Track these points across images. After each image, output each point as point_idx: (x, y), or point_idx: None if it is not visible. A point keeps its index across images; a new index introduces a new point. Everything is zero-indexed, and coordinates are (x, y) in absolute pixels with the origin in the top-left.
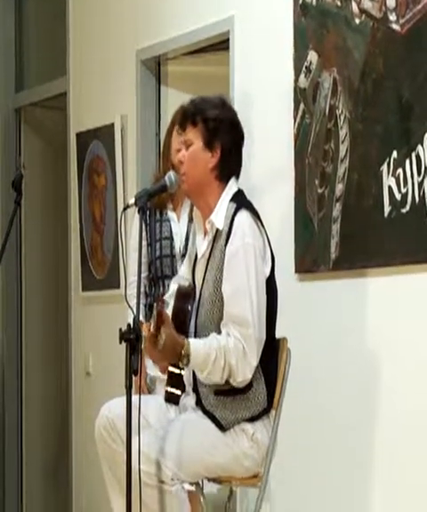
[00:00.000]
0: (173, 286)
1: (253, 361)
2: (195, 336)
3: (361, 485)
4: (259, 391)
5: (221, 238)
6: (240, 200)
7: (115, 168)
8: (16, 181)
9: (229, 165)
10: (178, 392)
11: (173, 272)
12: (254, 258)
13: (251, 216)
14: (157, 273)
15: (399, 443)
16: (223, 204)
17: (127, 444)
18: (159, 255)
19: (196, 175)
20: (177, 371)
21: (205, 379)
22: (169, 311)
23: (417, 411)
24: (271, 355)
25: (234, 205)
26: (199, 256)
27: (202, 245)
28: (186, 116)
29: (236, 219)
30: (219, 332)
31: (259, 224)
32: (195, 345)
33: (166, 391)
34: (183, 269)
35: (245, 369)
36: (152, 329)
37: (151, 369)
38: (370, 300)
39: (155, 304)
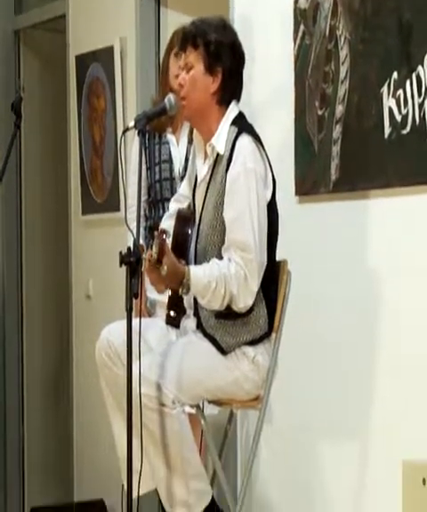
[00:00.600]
0: (172, 205)
1: (254, 287)
2: (195, 260)
3: (361, 408)
4: (260, 315)
5: (221, 163)
6: (241, 124)
7: (114, 91)
8: (15, 104)
9: (231, 89)
10: (179, 315)
11: (173, 195)
12: (256, 183)
13: (252, 140)
14: (157, 196)
15: (401, 364)
16: (224, 128)
17: (128, 368)
18: (159, 178)
19: (196, 99)
20: (177, 294)
21: (205, 304)
22: (169, 237)
23: (418, 331)
24: (272, 278)
25: (235, 129)
26: (199, 180)
27: (202, 169)
28: (186, 38)
29: (237, 143)
30: (219, 257)
31: (260, 148)
32: (195, 274)
33: (167, 314)
34: (183, 187)
35: (246, 295)
36: (153, 253)
37: (151, 292)
38: (370, 222)
39: (156, 234)
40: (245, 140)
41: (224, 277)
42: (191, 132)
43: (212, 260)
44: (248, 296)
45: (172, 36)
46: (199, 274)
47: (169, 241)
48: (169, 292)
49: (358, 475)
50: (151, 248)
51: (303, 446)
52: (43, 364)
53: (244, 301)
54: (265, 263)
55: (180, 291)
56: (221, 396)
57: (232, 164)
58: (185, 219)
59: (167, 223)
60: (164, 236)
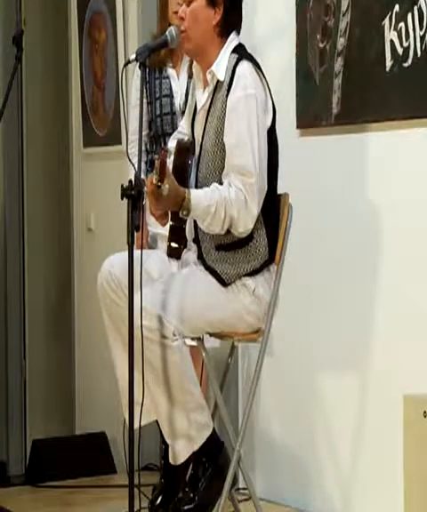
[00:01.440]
0: (172, 142)
1: (255, 210)
2: (196, 188)
3: (362, 340)
4: (260, 243)
5: (222, 89)
6: (242, 52)
7: (116, 23)
8: (17, 37)
9: (232, 21)
10: (180, 246)
11: (174, 129)
12: (256, 108)
13: (252, 66)
14: (158, 131)
15: (400, 297)
16: (225, 56)
17: (129, 299)
18: (160, 113)
19: (198, 33)
20: (178, 224)
21: (205, 228)
22: (171, 156)
23: (417, 263)
24: (272, 207)
25: (235, 56)
26: (199, 108)
27: (202, 97)
28: None
29: (237, 69)
30: (220, 183)
31: (260, 74)
32: (195, 196)
33: (168, 245)
34: (182, 124)
35: (246, 219)
36: (155, 179)
37: (153, 226)
38: (372, 155)
39: (157, 155)
40: (245, 66)
41: (224, 200)
42: (191, 67)
43: (212, 185)
44: (248, 220)
45: None
46: (200, 196)
47: (170, 161)
48: (170, 223)
49: (360, 407)
50: (154, 171)
51: (304, 379)
52: (45, 296)
53: (244, 225)
54: (265, 189)
55: (180, 213)
56: (223, 329)
57: (232, 89)
58: (185, 149)
59: (172, 144)
60: (166, 155)
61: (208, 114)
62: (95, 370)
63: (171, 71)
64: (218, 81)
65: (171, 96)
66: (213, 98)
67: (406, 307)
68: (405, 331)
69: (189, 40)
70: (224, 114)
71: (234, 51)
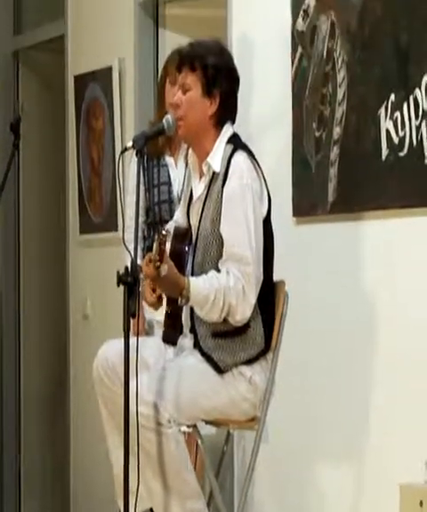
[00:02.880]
0: (169, 227)
1: (252, 299)
2: (192, 276)
3: (358, 429)
4: (256, 332)
5: (218, 180)
6: (236, 142)
7: (113, 111)
8: (14, 124)
9: (227, 111)
10: (176, 333)
11: (172, 217)
12: (252, 198)
13: (248, 157)
14: (156, 218)
15: (396, 386)
16: (220, 147)
17: (125, 386)
18: (158, 200)
19: (194, 121)
20: (175, 311)
21: (203, 316)
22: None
23: (414, 353)
24: (268, 296)
25: (231, 147)
26: (195, 198)
27: (198, 187)
28: (183, 60)
29: (233, 160)
30: (217, 271)
31: (256, 165)
32: (195, 284)
33: (164, 331)
34: (177, 213)
35: (244, 307)
36: (154, 260)
37: (149, 312)
38: (367, 244)
39: (156, 236)
40: (240, 156)
41: (223, 289)
42: (188, 154)
43: (210, 273)
44: (246, 308)
45: (166, 62)
46: (199, 284)
47: (168, 246)
48: (166, 310)
49: (355, 497)
50: (153, 251)
51: (300, 467)
52: (40, 383)
53: (242, 313)
54: (262, 278)
55: (179, 301)
56: (218, 417)
57: (228, 179)
58: (181, 235)
59: (170, 227)
60: (164, 234)
61: (204, 204)
62: (91, 456)
63: (169, 159)
64: (214, 172)
65: (169, 184)
66: (208, 188)
67: (403, 394)
68: (400, 419)
69: (184, 127)
70: (220, 204)
71: (229, 141)
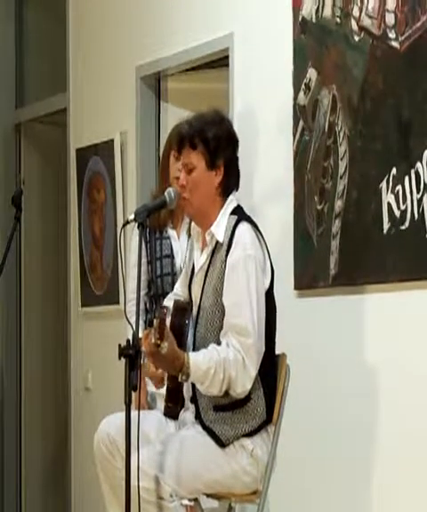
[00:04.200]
0: (168, 302)
1: (253, 372)
2: (193, 348)
3: (362, 502)
4: (258, 404)
5: (221, 250)
6: (240, 213)
7: (114, 184)
8: (16, 197)
9: (231, 180)
10: (177, 407)
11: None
12: (255, 269)
13: (251, 228)
14: (158, 290)
15: (401, 458)
16: (224, 217)
17: (126, 461)
18: (160, 273)
19: (202, 198)
20: (175, 385)
21: (203, 391)
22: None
23: (418, 426)
24: (270, 368)
25: (235, 218)
26: (197, 269)
27: (200, 258)
28: (183, 139)
29: (237, 230)
30: (218, 343)
31: (259, 236)
32: (195, 360)
33: (165, 406)
34: (177, 286)
35: (244, 380)
36: (154, 338)
37: (151, 385)
38: (369, 317)
39: (156, 313)
40: (244, 227)
41: (223, 362)
42: (190, 226)
43: (210, 346)
44: (247, 381)
45: (170, 135)
46: (199, 360)
47: (168, 321)
48: (167, 384)
49: None
50: (153, 329)
51: None
52: (41, 455)
53: (242, 386)
54: (263, 349)
55: (179, 377)
56: (220, 490)
57: (232, 250)
58: (182, 309)
59: (169, 303)
60: (165, 312)
61: (207, 274)
62: None
63: (171, 232)
64: (217, 242)
65: (172, 256)
66: (211, 258)
67: (405, 468)
68: (404, 492)
69: (191, 206)
70: (223, 274)
71: (233, 212)
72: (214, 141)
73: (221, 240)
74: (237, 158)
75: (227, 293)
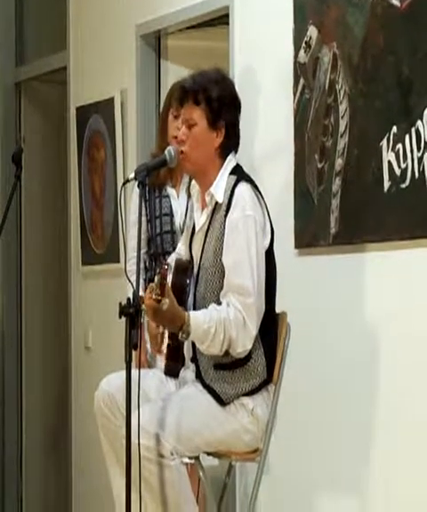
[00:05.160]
0: (170, 261)
1: (253, 331)
2: (194, 308)
3: (360, 460)
4: (258, 362)
5: (220, 210)
6: (240, 173)
7: (115, 142)
8: (16, 155)
9: (231, 142)
10: (177, 365)
11: (174, 248)
12: (255, 229)
13: (251, 188)
14: (158, 249)
15: (400, 417)
16: (223, 178)
17: (127, 419)
18: (159, 231)
19: (200, 155)
20: (176, 343)
21: (204, 350)
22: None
23: (417, 385)
24: (271, 327)
25: (234, 178)
26: (197, 229)
27: (200, 218)
28: (186, 94)
29: (236, 191)
30: (218, 303)
31: (259, 196)
32: (195, 319)
33: (165, 364)
34: (180, 246)
35: (245, 340)
36: (155, 293)
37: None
38: (369, 275)
39: (157, 270)
40: (243, 187)
41: (223, 322)
42: (190, 186)
43: (210, 306)
44: (247, 340)
45: (169, 93)
46: (199, 319)
47: (169, 279)
48: (167, 342)
49: None
50: (155, 285)
51: (303, 498)
52: (42, 415)
53: (243, 346)
54: (264, 308)
55: (180, 336)
56: (220, 448)
57: (231, 210)
58: (183, 269)
59: (172, 258)
60: (165, 268)
61: (206, 234)
62: (93, 489)
63: (171, 190)
64: (216, 202)
65: (171, 215)
66: (211, 219)
67: (403, 427)
68: (403, 451)
69: (190, 162)
70: (223, 234)
71: (232, 172)
72: (218, 101)
73: (220, 201)
74: (238, 122)
75: (226, 253)
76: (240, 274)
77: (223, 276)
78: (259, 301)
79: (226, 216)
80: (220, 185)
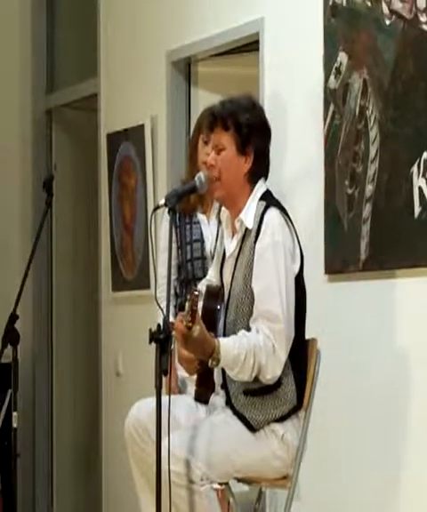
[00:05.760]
0: (201, 286)
1: (283, 357)
2: (224, 334)
3: (391, 487)
4: (288, 389)
5: (250, 236)
6: (269, 199)
7: (145, 169)
8: (47, 182)
9: (260, 168)
10: (208, 391)
11: (205, 274)
12: (284, 255)
13: (280, 214)
14: (189, 275)
15: None
16: (253, 204)
17: (157, 445)
18: (190, 258)
19: (229, 181)
20: (206, 369)
21: (234, 376)
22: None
23: None
24: (300, 353)
25: (263, 204)
26: (228, 255)
27: (231, 244)
28: (216, 119)
29: (265, 217)
30: (248, 329)
31: (288, 222)
32: (225, 346)
33: (196, 390)
34: (210, 272)
35: (274, 366)
36: (186, 320)
37: (182, 370)
38: (399, 302)
39: (189, 296)
40: (273, 213)
41: (253, 348)
42: (220, 212)
43: (240, 332)
44: (277, 366)
45: (199, 119)
46: (229, 345)
47: (200, 305)
48: (198, 369)
49: None
50: (186, 312)
51: None
52: (73, 440)
53: (272, 372)
54: (293, 336)
55: (209, 363)
56: (250, 474)
57: (260, 236)
58: (214, 294)
59: (201, 287)
60: (196, 295)
61: (237, 261)
62: None
63: (201, 216)
64: (246, 228)
65: (202, 241)
66: (241, 245)
67: None
68: None
69: (221, 188)
70: (252, 261)
71: (262, 198)
72: (247, 127)
73: (250, 227)
74: (267, 149)
75: (256, 280)
76: (269, 300)
77: (253, 303)
78: (288, 327)
79: (256, 242)
80: (249, 211)
